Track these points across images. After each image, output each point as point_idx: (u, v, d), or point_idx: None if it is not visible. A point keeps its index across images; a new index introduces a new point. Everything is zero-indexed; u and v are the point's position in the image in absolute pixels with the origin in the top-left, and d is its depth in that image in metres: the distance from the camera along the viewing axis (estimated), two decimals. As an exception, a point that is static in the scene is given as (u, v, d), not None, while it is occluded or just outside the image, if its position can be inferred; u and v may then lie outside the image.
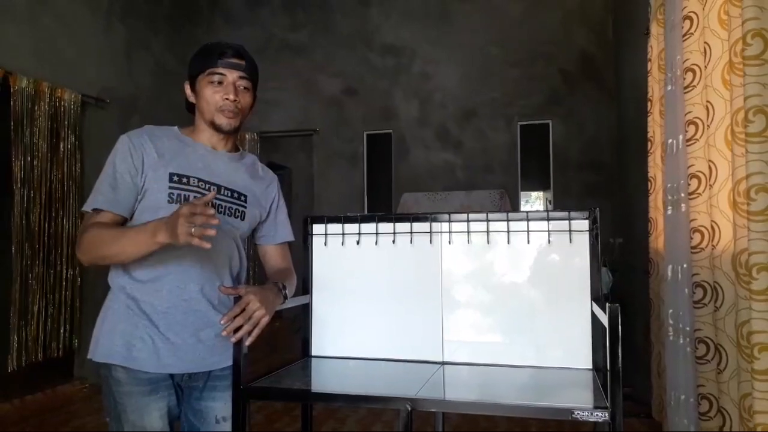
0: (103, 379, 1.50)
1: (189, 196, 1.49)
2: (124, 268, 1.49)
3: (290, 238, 1.76)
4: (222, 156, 1.59)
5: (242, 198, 1.60)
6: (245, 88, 1.55)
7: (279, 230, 1.73)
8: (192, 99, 1.58)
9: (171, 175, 1.49)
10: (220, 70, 1.51)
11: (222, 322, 1.40)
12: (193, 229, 1.24)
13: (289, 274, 1.69)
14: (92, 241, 1.42)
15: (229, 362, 1.49)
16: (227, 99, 1.52)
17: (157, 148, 1.50)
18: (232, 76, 1.52)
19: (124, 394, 1.47)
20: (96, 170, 1.52)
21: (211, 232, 1.26)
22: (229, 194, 1.57)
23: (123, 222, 1.49)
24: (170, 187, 1.48)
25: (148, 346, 1.47)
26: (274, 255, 1.74)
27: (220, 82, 1.52)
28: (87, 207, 1.48)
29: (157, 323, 1.48)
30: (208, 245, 1.26)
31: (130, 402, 1.46)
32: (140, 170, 1.47)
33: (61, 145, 4.33)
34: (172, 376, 1.51)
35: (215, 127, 1.55)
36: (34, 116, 4.12)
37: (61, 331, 4.31)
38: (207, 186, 1.53)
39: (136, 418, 1.46)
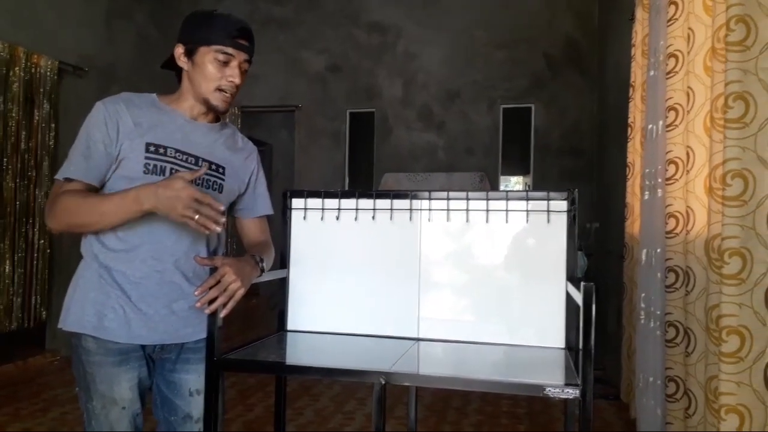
0: (73, 349, 1.48)
1: (166, 167, 1.46)
2: (97, 238, 1.46)
3: (269, 211, 1.74)
4: (201, 127, 1.55)
5: (220, 170, 1.57)
6: (245, 69, 1.52)
7: (258, 203, 1.71)
8: (184, 66, 1.50)
9: (147, 145, 1.45)
10: (231, 50, 1.46)
11: (196, 293, 1.38)
12: (197, 217, 1.30)
13: (266, 247, 1.67)
14: (67, 208, 1.39)
15: (203, 335, 1.47)
16: (232, 81, 1.48)
17: (134, 116, 1.46)
18: (239, 57, 1.48)
19: (93, 363, 1.45)
20: (71, 140, 1.48)
21: (218, 230, 1.34)
22: (207, 166, 1.53)
23: (94, 191, 1.45)
24: (146, 158, 1.45)
25: (119, 316, 1.45)
26: (252, 228, 1.72)
27: (226, 62, 1.47)
28: (59, 175, 1.44)
29: (130, 293, 1.45)
30: (206, 231, 1.34)
31: (99, 372, 1.45)
32: (115, 139, 1.43)
33: (36, 113, 4.23)
34: (143, 347, 1.49)
35: (209, 106, 1.51)
36: (9, 82, 4.01)
37: (32, 301, 4.24)
38: (184, 157, 1.49)
39: (105, 388, 1.45)
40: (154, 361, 1.54)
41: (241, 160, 1.65)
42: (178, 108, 1.53)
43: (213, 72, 1.47)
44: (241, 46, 1.48)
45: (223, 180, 1.57)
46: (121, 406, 1.46)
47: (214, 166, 1.55)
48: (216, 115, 1.59)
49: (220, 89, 1.48)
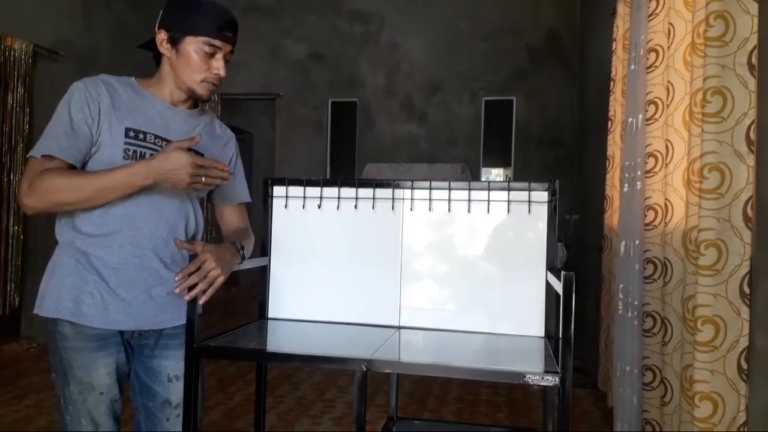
0: (49, 335, 1.46)
1: (145, 153, 1.44)
2: (72, 223, 1.44)
3: (247, 198, 1.72)
4: (180, 113, 1.53)
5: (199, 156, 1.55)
6: (228, 60, 1.50)
7: (236, 191, 1.69)
8: (167, 53, 1.47)
9: (127, 130, 1.43)
10: (218, 42, 1.44)
11: (176, 279, 1.36)
12: (204, 179, 1.37)
13: (246, 234, 1.66)
14: (55, 186, 1.35)
15: (182, 321, 1.46)
16: (218, 74, 1.46)
17: (113, 99, 1.43)
18: (225, 49, 1.46)
19: (70, 349, 1.43)
20: (46, 124, 1.43)
21: (226, 181, 1.44)
22: None
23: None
24: (126, 143, 1.42)
25: (97, 301, 1.43)
26: (231, 216, 1.70)
27: (212, 54, 1.45)
28: (37, 152, 1.39)
29: (108, 279, 1.44)
30: (211, 186, 1.46)
31: (76, 358, 1.43)
32: (96, 120, 1.41)
33: (10, 97, 4.14)
34: (121, 333, 1.48)
35: (193, 95, 1.50)
36: (-19, 64, 3.92)
37: (7, 288, 4.17)
38: (163, 143, 1.47)
39: (82, 374, 1.43)
40: (132, 347, 1.53)
41: (220, 148, 1.63)
42: (158, 93, 1.51)
43: (198, 63, 1.45)
44: (228, 38, 1.46)
45: None
46: (99, 392, 1.44)
47: (193, 153, 1.53)
48: (195, 102, 1.57)
49: (204, 80, 1.47)
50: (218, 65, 1.46)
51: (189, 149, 1.48)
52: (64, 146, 1.39)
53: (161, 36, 1.46)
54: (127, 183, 1.36)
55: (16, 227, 4.23)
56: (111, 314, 1.44)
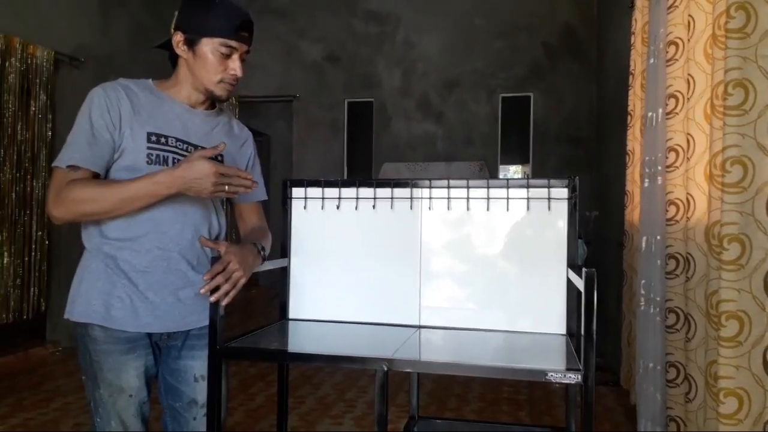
0: (79, 339, 1.48)
1: (168, 157, 1.46)
2: (98, 229, 1.45)
3: (264, 197, 1.73)
4: (199, 115, 1.55)
5: (218, 158, 1.56)
6: (244, 59, 1.50)
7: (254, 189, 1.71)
8: (183, 54, 1.47)
9: (149, 134, 1.45)
10: (235, 43, 1.44)
11: (205, 278, 1.38)
12: (227, 188, 1.37)
13: (265, 233, 1.67)
14: (82, 198, 1.37)
15: (208, 321, 1.48)
16: (234, 74, 1.47)
17: (133, 104, 1.44)
18: (242, 49, 1.47)
19: (100, 352, 1.45)
20: (68, 131, 1.44)
21: (250, 191, 1.45)
22: None
23: (97, 179, 1.44)
24: (148, 148, 1.44)
25: (126, 305, 1.45)
26: (249, 214, 1.72)
27: (229, 55, 1.45)
28: (61, 163, 1.40)
29: (136, 282, 1.45)
30: (235, 195, 1.46)
31: (106, 360, 1.45)
32: (118, 126, 1.42)
33: (33, 104, 4.22)
34: (149, 335, 1.50)
35: (211, 95, 1.51)
36: (5, 73, 3.99)
37: (31, 293, 4.24)
38: (184, 146, 1.49)
39: (112, 376, 1.45)
40: (161, 348, 1.55)
41: (238, 147, 1.65)
42: (176, 95, 1.52)
43: (215, 64, 1.45)
44: (244, 38, 1.46)
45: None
46: (128, 394, 1.47)
47: (216, 162, 1.54)
48: (213, 102, 1.59)
49: (221, 81, 1.48)
50: (235, 66, 1.46)
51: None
52: (86, 156, 1.40)
53: (177, 38, 1.47)
54: (150, 193, 1.37)
55: (41, 233, 4.30)
56: (140, 317, 1.46)
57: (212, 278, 1.37)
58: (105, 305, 1.44)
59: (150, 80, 1.53)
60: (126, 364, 1.46)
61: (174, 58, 1.53)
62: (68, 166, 1.40)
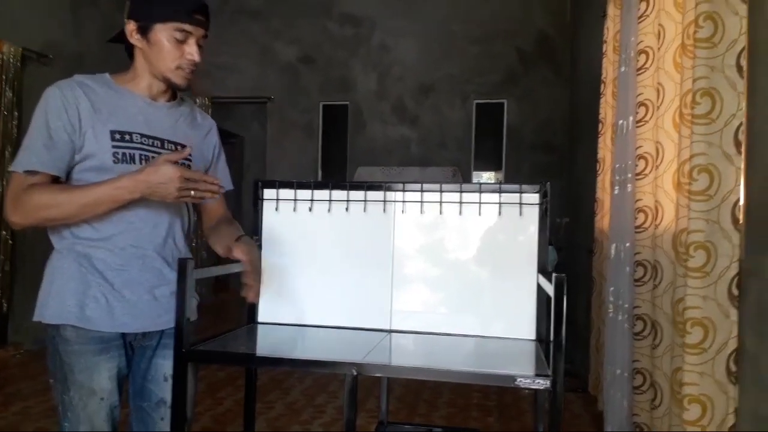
0: (49, 340, 1.43)
1: (134, 154, 1.43)
2: (69, 229, 1.42)
3: (230, 186, 1.70)
4: (161, 107, 1.51)
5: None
6: (201, 45, 1.47)
7: (220, 178, 1.68)
8: (138, 43, 1.44)
9: (112, 132, 1.41)
10: (189, 27, 1.41)
11: (247, 282, 1.52)
12: (193, 193, 1.36)
13: (236, 223, 1.67)
14: (40, 203, 1.34)
15: None
16: (191, 59, 1.44)
17: (92, 101, 1.40)
18: (197, 33, 1.44)
19: (72, 353, 1.40)
20: None
21: (217, 197, 1.48)
22: (173, 148, 1.50)
23: (57, 182, 1.40)
24: (113, 146, 1.41)
25: (101, 305, 1.41)
26: (215, 204, 1.68)
27: (184, 39, 1.42)
28: (18, 167, 1.36)
29: (112, 281, 1.42)
30: (202, 200, 1.47)
31: (78, 361, 1.40)
32: (77, 127, 1.38)
33: (-2, 100, 4.11)
34: (124, 335, 1.46)
35: (169, 84, 1.47)
36: (-32, 67, 3.88)
37: (-6, 294, 4.12)
38: (150, 141, 1.46)
39: (84, 378, 1.40)
40: (134, 349, 1.52)
41: (203, 137, 1.63)
42: (135, 88, 1.48)
43: (171, 50, 1.42)
44: (199, 21, 1.43)
45: (190, 160, 1.54)
46: (99, 397, 1.42)
47: (179, 147, 1.52)
48: (174, 92, 1.56)
49: (179, 67, 1.44)
50: (191, 50, 1.43)
51: (171, 143, 1.48)
52: (44, 159, 1.36)
53: (130, 27, 1.44)
54: (112, 197, 1.35)
55: (4, 232, 4.18)
56: (116, 317, 1.43)
57: (251, 282, 1.52)
58: (79, 305, 1.40)
59: (107, 74, 1.49)
60: (98, 365, 1.42)
61: (130, 50, 1.49)
62: (26, 171, 1.36)
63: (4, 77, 4.14)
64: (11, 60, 4.19)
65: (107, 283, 1.42)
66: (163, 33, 1.41)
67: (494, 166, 5.72)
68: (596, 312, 3.21)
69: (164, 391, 1.53)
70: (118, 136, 1.42)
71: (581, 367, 3.82)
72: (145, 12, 1.42)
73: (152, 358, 1.54)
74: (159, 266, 1.48)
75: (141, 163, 1.42)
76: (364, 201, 1.76)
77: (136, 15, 1.43)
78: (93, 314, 1.40)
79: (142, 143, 1.45)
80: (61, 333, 1.40)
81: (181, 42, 1.42)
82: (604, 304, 2.83)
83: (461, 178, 5.47)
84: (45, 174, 1.37)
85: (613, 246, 2.65)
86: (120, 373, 1.47)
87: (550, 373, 1.21)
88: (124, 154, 1.41)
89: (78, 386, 1.41)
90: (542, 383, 1.21)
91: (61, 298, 1.40)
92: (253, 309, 1.80)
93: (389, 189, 1.76)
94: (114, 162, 1.40)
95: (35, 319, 1.43)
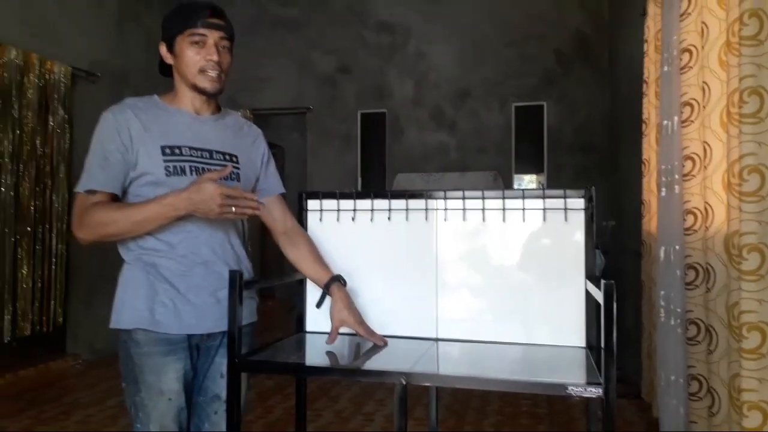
0: (121, 345, 1.52)
1: (185, 166, 1.51)
2: (135, 242, 1.51)
3: (282, 189, 1.76)
4: (206, 121, 1.60)
5: (234, 159, 1.61)
6: (225, 47, 1.55)
7: (271, 183, 1.74)
8: (169, 61, 1.55)
9: (162, 148, 1.50)
10: (202, 30, 1.50)
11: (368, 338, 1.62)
12: (234, 209, 1.40)
13: (312, 244, 1.74)
14: (100, 221, 1.45)
15: (245, 321, 1.52)
16: (210, 59, 1.51)
17: (143, 121, 1.50)
18: (213, 36, 1.51)
19: (143, 355, 1.49)
20: (86, 145, 1.52)
21: (257, 213, 1.47)
22: (221, 158, 1.58)
23: (117, 199, 1.51)
24: (165, 161, 1.49)
25: (169, 309, 1.49)
26: (273, 208, 1.73)
27: (201, 43, 1.50)
28: (80, 188, 1.49)
29: (178, 286, 1.51)
30: (243, 216, 1.50)
31: (148, 363, 1.49)
32: (130, 147, 1.48)
33: (51, 119, 4.28)
34: (190, 337, 1.54)
35: (198, 90, 1.54)
36: (23, 89, 4.06)
37: (51, 306, 4.29)
38: (199, 153, 1.54)
39: (153, 379, 1.49)
40: (199, 350, 1.58)
41: (250, 145, 1.69)
42: (181, 105, 1.58)
43: (192, 56, 1.51)
44: (211, 24, 1.51)
45: (238, 168, 1.61)
46: (167, 397, 1.50)
47: (227, 157, 1.60)
48: (217, 105, 1.64)
49: (202, 71, 1.51)
50: (208, 51, 1.51)
51: (219, 153, 1.54)
52: (100, 179, 1.48)
53: (162, 49, 1.56)
54: (160, 214, 1.43)
55: (60, 246, 4.35)
56: (183, 319, 1.51)
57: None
58: (149, 310, 1.49)
59: (155, 96, 1.60)
60: (166, 366, 1.50)
61: (170, 71, 1.59)
62: (86, 191, 1.48)
63: (56, 96, 4.31)
64: (62, 79, 4.36)
65: (173, 288, 1.51)
66: (183, 43, 1.51)
67: (535, 169, 5.65)
68: (646, 316, 3.14)
69: (219, 387, 1.60)
70: (168, 151, 1.50)
71: (633, 373, 3.74)
72: (168, 30, 1.54)
73: (215, 357, 1.61)
74: (219, 270, 1.55)
75: (192, 174, 1.50)
76: (406, 209, 1.78)
77: (164, 36, 1.55)
78: (162, 318, 1.49)
79: (191, 155, 1.53)
80: (133, 337, 1.50)
81: (200, 47, 1.51)
82: (655, 308, 2.77)
83: (502, 182, 5.42)
84: (103, 193, 1.48)
85: (662, 249, 2.59)
86: (186, 376, 1.54)
87: (602, 380, 1.20)
88: (175, 167, 1.50)
89: (147, 386, 1.49)
90: (594, 391, 1.19)
91: (134, 304, 1.50)
92: (301, 318, 1.83)
93: (430, 197, 1.76)
94: (166, 175, 1.48)
95: (111, 326, 1.52)
